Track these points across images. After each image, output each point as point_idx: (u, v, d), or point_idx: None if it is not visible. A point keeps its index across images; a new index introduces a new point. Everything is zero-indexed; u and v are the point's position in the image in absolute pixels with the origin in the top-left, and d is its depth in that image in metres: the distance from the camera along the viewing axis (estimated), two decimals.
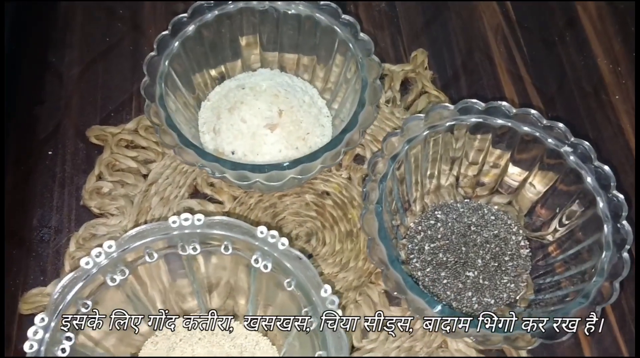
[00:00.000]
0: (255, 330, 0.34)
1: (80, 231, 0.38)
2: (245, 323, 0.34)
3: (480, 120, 0.34)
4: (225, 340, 0.33)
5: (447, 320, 0.29)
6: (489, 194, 0.38)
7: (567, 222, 0.35)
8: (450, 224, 0.37)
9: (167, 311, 0.34)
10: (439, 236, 0.37)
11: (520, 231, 0.37)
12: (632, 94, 0.43)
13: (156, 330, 0.33)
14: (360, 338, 0.35)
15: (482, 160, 0.38)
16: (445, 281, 0.35)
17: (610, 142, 0.41)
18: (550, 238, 0.36)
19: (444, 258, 0.36)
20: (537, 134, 0.34)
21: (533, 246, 0.36)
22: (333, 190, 0.39)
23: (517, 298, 0.35)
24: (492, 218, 0.37)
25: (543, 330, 0.29)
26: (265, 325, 0.33)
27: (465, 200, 0.38)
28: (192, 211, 0.31)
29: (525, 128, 0.34)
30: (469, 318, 0.29)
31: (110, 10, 0.47)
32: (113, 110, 0.43)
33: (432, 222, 0.37)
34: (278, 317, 0.31)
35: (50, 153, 0.41)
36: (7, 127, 0.38)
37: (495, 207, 0.38)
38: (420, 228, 0.37)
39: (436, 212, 0.38)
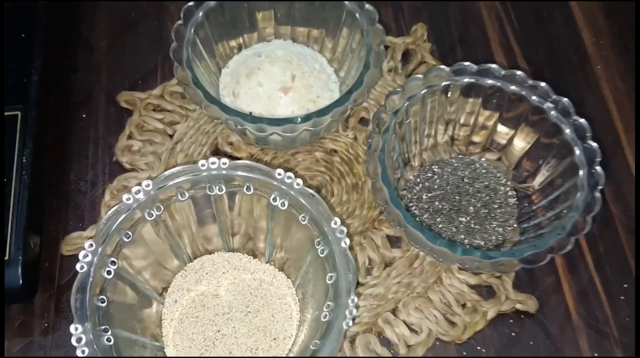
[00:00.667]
0: (272, 266, 0.38)
1: (114, 183, 0.42)
2: (264, 259, 0.38)
3: (473, 80, 0.39)
4: (246, 274, 0.38)
5: (440, 247, 0.33)
6: (481, 152, 0.43)
7: (548, 172, 0.39)
8: (445, 176, 0.41)
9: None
10: (436, 187, 0.41)
11: (509, 183, 0.41)
12: (613, 64, 0.48)
13: (186, 263, 0.38)
14: (364, 275, 0.39)
15: (473, 122, 0.42)
16: (440, 225, 0.40)
17: (591, 105, 0.46)
18: (534, 187, 0.40)
19: (440, 206, 0.40)
20: (523, 92, 0.38)
21: (519, 196, 0.41)
22: (340, 148, 0.44)
23: (504, 240, 0.39)
24: (484, 171, 0.42)
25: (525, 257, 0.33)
26: (281, 258, 0.38)
27: (460, 156, 0.42)
28: None
29: (513, 87, 0.38)
30: (459, 246, 0.33)
31: None
32: (140, 78, 0.47)
33: (430, 175, 0.41)
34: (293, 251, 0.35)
35: (84, 116, 0.45)
36: (46, 94, 0.42)
37: (486, 162, 0.42)
38: (418, 180, 0.41)
39: (433, 166, 0.42)
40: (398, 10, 0.50)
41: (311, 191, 0.33)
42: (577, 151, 0.36)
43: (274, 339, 0.35)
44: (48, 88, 0.42)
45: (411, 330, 0.38)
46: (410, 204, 0.41)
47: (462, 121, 0.42)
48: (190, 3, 0.41)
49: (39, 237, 0.39)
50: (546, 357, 0.37)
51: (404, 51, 0.47)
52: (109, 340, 0.31)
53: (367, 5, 0.41)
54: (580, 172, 0.36)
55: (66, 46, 0.48)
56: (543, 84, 0.38)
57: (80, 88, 0.46)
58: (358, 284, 0.39)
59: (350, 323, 0.30)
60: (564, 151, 0.37)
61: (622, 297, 0.39)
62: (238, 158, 0.43)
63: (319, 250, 0.33)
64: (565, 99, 0.37)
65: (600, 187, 0.35)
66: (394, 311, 0.38)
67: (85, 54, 0.48)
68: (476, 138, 0.42)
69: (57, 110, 0.45)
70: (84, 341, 0.30)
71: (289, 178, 0.34)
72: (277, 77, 0.42)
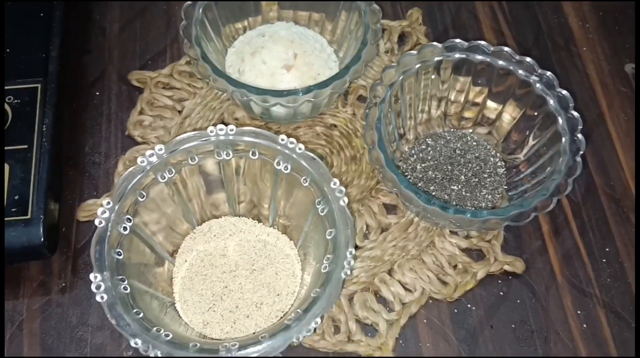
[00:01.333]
0: (275, 229, 0.40)
1: (126, 154, 0.45)
2: (268, 224, 0.41)
3: (464, 56, 0.41)
4: (251, 235, 0.40)
5: (433, 207, 0.36)
6: (473, 126, 0.45)
7: (534, 141, 0.41)
8: (438, 148, 0.44)
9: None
10: (429, 157, 0.43)
11: (498, 154, 0.44)
12: (598, 47, 0.50)
13: (194, 227, 0.40)
14: (362, 239, 0.42)
15: (464, 99, 0.44)
16: (434, 193, 0.42)
17: (577, 84, 0.48)
18: (521, 157, 0.42)
19: (433, 175, 0.43)
20: (511, 67, 0.41)
21: (508, 166, 0.43)
22: (340, 123, 0.46)
23: (494, 207, 0.42)
24: (474, 143, 0.44)
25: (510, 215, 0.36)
26: (284, 223, 0.40)
27: (452, 130, 0.45)
28: None
29: (501, 62, 0.41)
30: (451, 206, 0.36)
31: None
32: (150, 59, 0.49)
33: (424, 147, 0.44)
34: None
35: (97, 93, 0.48)
36: (62, 73, 0.45)
37: (477, 135, 0.45)
38: (413, 151, 0.44)
39: (427, 139, 0.44)
40: None
41: (312, 154, 0.36)
42: (560, 120, 0.39)
43: (278, 295, 0.38)
44: (64, 67, 0.45)
45: (406, 289, 0.40)
46: (406, 174, 0.43)
47: (453, 98, 0.45)
48: None
49: (58, 204, 0.41)
50: (532, 314, 0.40)
51: (400, 34, 0.50)
52: (125, 288, 0.33)
53: None
54: (563, 139, 0.38)
55: (79, 30, 0.50)
56: (529, 59, 0.40)
57: (94, 68, 0.49)
58: (356, 247, 0.41)
59: (349, 272, 0.33)
60: (548, 121, 0.40)
61: (603, 260, 0.42)
62: None
63: (320, 209, 0.36)
64: (549, 73, 0.40)
65: (581, 152, 0.37)
66: (389, 272, 0.41)
67: (98, 37, 0.50)
68: (467, 114, 0.45)
69: (72, 89, 0.47)
70: (102, 288, 0.32)
71: (291, 142, 0.36)
72: (280, 56, 0.45)
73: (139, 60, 0.49)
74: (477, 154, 0.43)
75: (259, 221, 0.41)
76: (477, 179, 0.43)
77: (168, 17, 0.51)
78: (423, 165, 0.43)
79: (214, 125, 0.36)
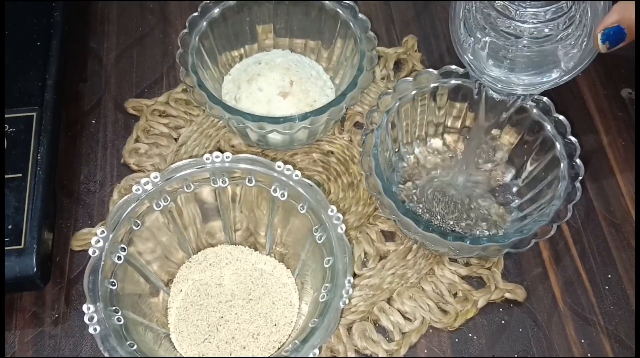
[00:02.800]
0: (272, 258, 0.40)
1: (122, 183, 0.44)
2: (265, 252, 0.40)
3: (460, 82, 0.41)
4: (247, 264, 0.40)
5: (432, 234, 0.35)
6: None
7: (532, 167, 0.41)
8: (438, 172, 0.44)
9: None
10: (428, 181, 0.43)
11: (497, 179, 0.43)
12: (593, 72, 0.50)
13: (190, 256, 0.40)
14: (360, 267, 0.41)
15: (461, 125, 0.44)
16: (433, 216, 0.42)
17: (574, 110, 0.48)
18: (519, 183, 0.42)
19: (431, 197, 0.42)
20: None
21: (507, 192, 0.43)
22: (337, 150, 0.46)
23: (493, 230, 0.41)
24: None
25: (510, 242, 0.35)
26: (281, 252, 0.40)
27: (450, 156, 0.45)
28: None
29: None
30: (449, 233, 0.35)
31: (142, 5, 0.54)
32: (146, 87, 0.49)
33: (422, 171, 0.44)
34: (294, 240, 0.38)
35: (93, 121, 0.48)
36: (58, 101, 0.45)
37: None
38: (412, 175, 0.44)
39: (426, 163, 0.44)
40: (390, 23, 0.53)
41: (309, 181, 0.36)
42: (558, 146, 0.39)
43: (275, 325, 0.37)
44: (61, 95, 0.45)
45: (405, 318, 0.39)
46: (404, 199, 0.43)
47: (450, 124, 0.44)
48: (195, 13, 0.44)
49: (52, 233, 0.41)
50: (535, 343, 0.39)
51: (396, 60, 0.50)
52: (119, 319, 0.32)
53: (360, 15, 0.44)
54: (562, 164, 0.38)
55: (77, 58, 0.50)
56: None
57: (90, 96, 0.49)
58: (354, 275, 0.41)
59: (347, 301, 0.32)
60: (545, 147, 0.40)
61: (606, 287, 0.41)
62: None
63: (317, 237, 0.35)
64: (545, 99, 0.40)
65: (580, 178, 0.37)
66: (388, 301, 0.40)
67: (95, 65, 0.50)
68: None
69: (68, 117, 0.47)
70: (95, 319, 0.31)
71: (288, 169, 0.36)
72: (276, 83, 0.45)
73: (136, 88, 0.49)
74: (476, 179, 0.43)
75: (256, 249, 0.41)
76: (476, 203, 0.42)
77: (164, 45, 0.52)
78: (422, 188, 0.43)
79: (210, 152, 0.36)
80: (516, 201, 0.42)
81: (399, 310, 0.39)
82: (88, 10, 0.53)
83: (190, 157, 0.45)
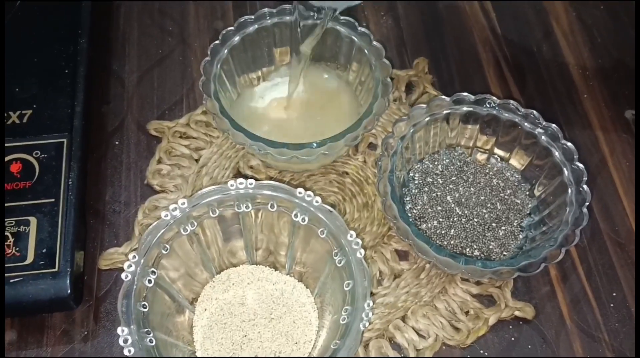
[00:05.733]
0: (292, 277, 0.42)
1: (146, 203, 0.46)
2: (284, 271, 0.42)
3: (471, 109, 0.43)
4: (268, 284, 0.41)
5: (445, 258, 0.37)
6: None
7: (540, 191, 0.43)
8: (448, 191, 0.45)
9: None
10: (439, 201, 0.45)
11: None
12: (598, 94, 0.52)
13: (214, 276, 0.42)
14: (376, 286, 0.43)
15: (472, 145, 0.46)
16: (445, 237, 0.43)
17: (579, 130, 0.50)
18: (530, 205, 0.44)
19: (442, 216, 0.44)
20: (516, 119, 0.43)
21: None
22: (351, 171, 0.48)
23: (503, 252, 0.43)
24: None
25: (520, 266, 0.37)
26: (300, 271, 0.41)
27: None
28: None
29: (507, 115, 0.43)
30: (462, 257, 0.37)
31: (161, 28, 0.56)
32: (167, 109, 0.51)
33: (434, 190, 0.45)
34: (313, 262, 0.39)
35: (117, 143, 0.49)
36: (82, 123, 0.47)
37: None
38: (424, 195, 0.45)
39: (435, 184, 0.46)
40: (401, 46, 0.55)
41: (329, 207, 0.37)
42: (566, 172, 0.41)
43: (296, 343, 0.39)
44: (84, 118, 0.47)
45: (419, 335, 0.41)
46: (416, 218, 0.44)
47: (463, 143, 0.46)
48: (217, 42, 0.46)
49: (83, 255, 0.43)
50: None
51: (407, 83, 0.52)
52: (151, 341, 0.34)
53: (375, 42, 0.46)
54: (569, 190, 0.40)
55: (100, 81, 0.52)
56: (534, 112, 0.42)
57: (113, 118, 0.51)
58: (371, 293, 0.42)
59: (367, 324, 0.34)
60: (554, 171, 0.41)
61: (611, 305, 0.43)
62: (258, 180, 0.47)
63: (337, 260, 0.37)
64: (554, 125, 0.42)
65: (587, 203, 0.39)
66: (403, 319, 0.42)
67: (117, 87, 0.52)
68: (477, 157, 0.47)
69: (93, 138, 0.49)
70: (130, 342, 0.33)
71: (308, 196, 0.38)
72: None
73: (157, 109, 0.51)
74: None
75: (276, 268, 0.42)
76: (486, 226, 0.44)
77: (184, 67, 0.53)
78: (434, 208, 0.44)
79: (234, 178, 0.38)
80: (524, 223, 0.43)
81: (413, 328, 0.41)
82: (110, 34, 0.55)
83: (211, 178, 0.47)
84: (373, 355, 0.40)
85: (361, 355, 0.40)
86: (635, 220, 0.46)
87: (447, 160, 0.45)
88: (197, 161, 0.48)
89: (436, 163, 0.45)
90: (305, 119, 0.47)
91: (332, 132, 0.42)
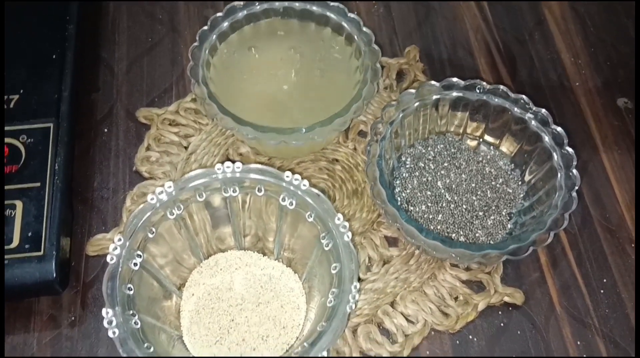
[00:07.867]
0: (280, 263, 0.42)
1: (134, 190, 0.46)
2: (273, 257, 0.42)
3: (460, 94, 0.43)
4: (256, 269, 0.41)
5: (435, 242, 0.37)
6: None
7: (530, 176, 0.43)
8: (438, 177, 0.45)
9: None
10: (429, 185, 0.45)
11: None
12: (590, 81, 0.52)
13: (201, 261, 0.41)
14: (365, 271, 0.43)
15: (462, 131, 0.46)
16: (434, 219, 0.43)
17: (571, 118, 0.50)
18: (520, 190, 0.44)
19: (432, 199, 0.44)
20: (506, 105, 0.42)
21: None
22: (341, 158, 0.48)
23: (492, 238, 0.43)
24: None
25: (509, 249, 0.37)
26: (289, 257, 0.41)
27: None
28: None
29: (496, 100, 0.43)
30: (449, 240, 0.37)
31: (151, 15, 0.55)
32: (157, 96, 0.51)
33: (423, 174, 0.45)
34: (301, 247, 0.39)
35: (106, 130, 0.49)
36: (74, 112, 0.46)
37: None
38: (414, 179, 0.45)
39: (425, 170, 0.46)
40: (392, 33, 0.54)
41: (316, 191, 0.37)
42: (556, 156, 0.40)
43: (283, 327, 0.39)
44: (75, 105, 0.46)
45: (408, 320, 0.41)
46: (405, 201, 0.44)
47: (452, 130, 0.46)
48: (205, 27, 0.45)
49: (69, 240, 0.42)
50: (533, 345, 0.41)
51: (398, 71, 0.52)
52: (136, 323, 0.34)
53: (364, 28, 0.45)
54: (559, 175, 0.40)
55: (89, 68, 0.52)
56: (524, 97, 0.42)
57: (102, 105, 0.50)
58: (359, 280, 0.42)
59: (353, 306, 0.34)
60: (544, 156, 0.41)
61: (601, 291, 0.43)
62: None
63: (324, 244, 0.37)
64: (543, 110, 0.42)
65: (576, 188, 0.39)
66: (392, 304, 0.42)
67: (107, 75, 0.52)
68: (467, 143, 0.46)
69: (81, 126, 0.49)
70: (114, 323, 0.33)
71: (296, 179, 0.37)
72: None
73: (146, 97, 0.51)
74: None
75: (264, 254, 0.42)
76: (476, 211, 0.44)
77: (173, 55, 0.53)
78: (423, 192, 0.44)
79: (222, 162, 0.37)
80: (514, 208, 0.43)
81: (402, 313, 0.41)
82: (99, 21, 0.54)
83: (200, 165, 0.47)
84: (361, 341, 0.40)
85: (349, 340, 0.40)
86: (636, 215, 0.45)
87: (441, 145, 0.45)
88: (186, 148, 0.48)
89: (429, 148, 0.45)
90: (300, 99, 0.46)
91: (325, 114, 0.41)
